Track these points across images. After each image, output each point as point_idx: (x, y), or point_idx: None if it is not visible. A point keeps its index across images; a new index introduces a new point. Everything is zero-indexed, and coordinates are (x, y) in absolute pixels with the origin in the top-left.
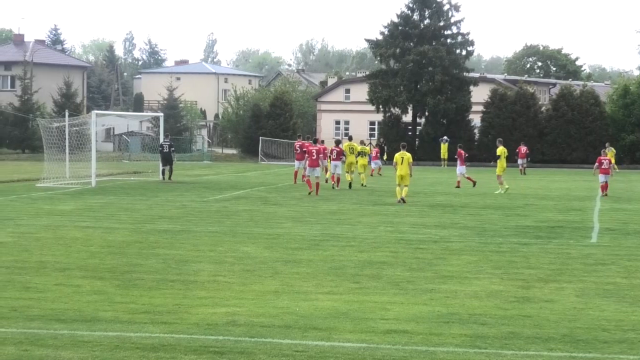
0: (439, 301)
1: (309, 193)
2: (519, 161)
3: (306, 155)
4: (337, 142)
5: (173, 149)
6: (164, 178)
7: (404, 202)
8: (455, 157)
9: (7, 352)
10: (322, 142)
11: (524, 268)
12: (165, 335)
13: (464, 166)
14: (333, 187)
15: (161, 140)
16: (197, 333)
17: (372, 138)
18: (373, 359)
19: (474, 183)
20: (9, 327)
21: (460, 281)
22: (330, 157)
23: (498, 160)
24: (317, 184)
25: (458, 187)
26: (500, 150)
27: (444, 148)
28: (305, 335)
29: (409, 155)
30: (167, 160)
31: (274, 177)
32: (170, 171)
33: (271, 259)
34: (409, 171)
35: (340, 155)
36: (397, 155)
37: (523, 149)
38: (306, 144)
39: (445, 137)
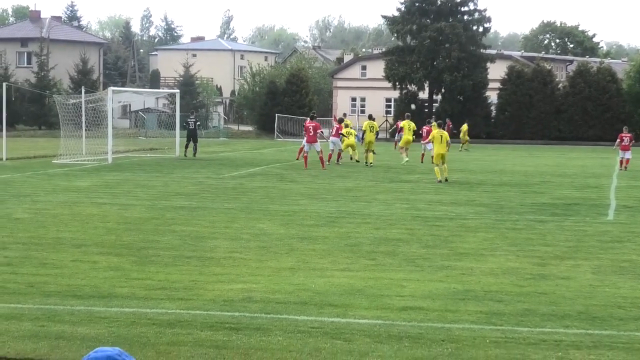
0: (455, 278)
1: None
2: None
3: (304, 131)
4: (340, 120)
5: (199, 123)
6: (186, 154)
7: (446, 181)
8: (420, 132)
9: (24, 328)
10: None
11: (540, 245)
12: (181, 311)
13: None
14: (337, 163)
15: (178, 117)
16: (213, 309)
17: (388, 115)
18: (388, 335)
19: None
20: (25, 303)
21: (476, 258)
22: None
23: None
24: (321, 158)
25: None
26: (405, 123)
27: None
28: (320, 311)
29: (446, 133)
30: (193, 137)
31: (290, 154)
32: (195, 148)
33: (287, 236)
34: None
35: (339, 132)
36: (434, 132)
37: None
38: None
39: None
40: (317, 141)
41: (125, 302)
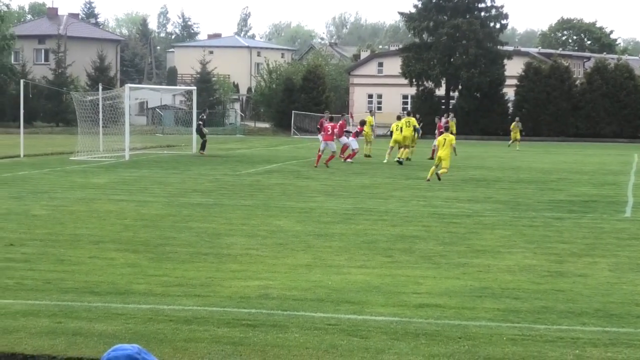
0: (472, 275)
1: (315, 166)
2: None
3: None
4: (362, 123)
5: (200, 122)
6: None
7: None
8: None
9: (41, 325)
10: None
11: (557, 242)
12: (198, 308)
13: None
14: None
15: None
16: (230, 306)
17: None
18: (405, 332)
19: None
20: (43, 299)
21: (493, 255)
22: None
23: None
24: (332, 157)
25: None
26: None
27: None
28: (337, 308)
29: (451, 137)
30: (199, 134)
31: (307, 151)
32: (201, 145)
33: (303, 233)
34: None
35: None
36: (440, 137)
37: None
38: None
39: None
40: (333, 140)
41: (142, 299)
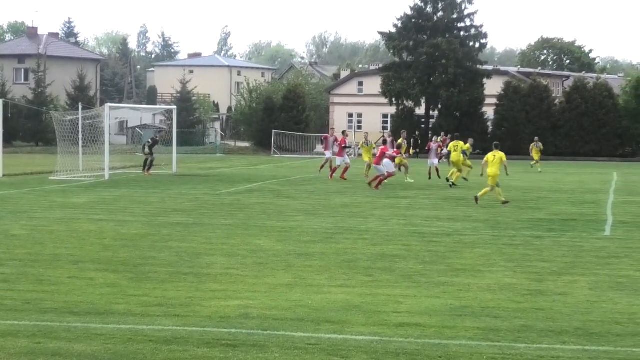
0: (452, 294)
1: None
2: None
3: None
4: (399, 147)
5: (149, 141)
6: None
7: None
8: (426, 149)
9: (20, 345)
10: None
11: (537, 261)
12: (178, 328)
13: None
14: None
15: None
16: (209, 326)
17: (385, 131)
18: (386, 352)
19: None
20: (22, 319)
21: (473, 274)
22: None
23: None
24: (347, 169)
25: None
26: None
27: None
28: (317, 328)
29: (501, 154)
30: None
31: (287, 170)
32: (145, 163)
33: (284, 252)
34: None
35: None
36: (489, 154)
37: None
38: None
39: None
40: (344, 156)
41: (121, 319)
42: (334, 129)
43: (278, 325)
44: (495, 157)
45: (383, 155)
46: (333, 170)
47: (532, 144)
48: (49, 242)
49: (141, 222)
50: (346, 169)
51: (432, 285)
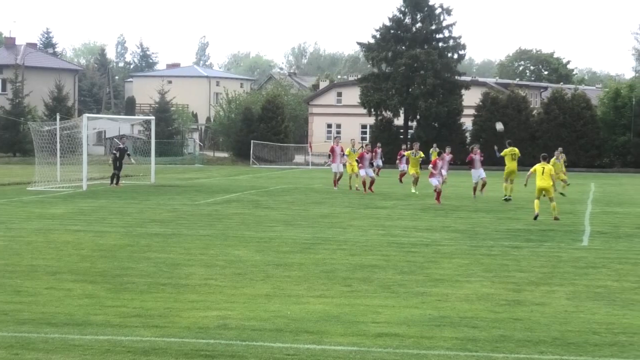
0: (430, 304)
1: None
2: None
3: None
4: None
5: (115, 152)
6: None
7: (556, 219)
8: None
9: None
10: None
11: (515, 271)
12: (156, 339)
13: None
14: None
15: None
16: (188, 337)
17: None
18: None
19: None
20: None
21: (451, 284)
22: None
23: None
24: (364, 183)
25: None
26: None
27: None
28: (296, 338)
29: (549, 166)
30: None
31: (266, 180)
32: (112, 176)
33: (262, 263)
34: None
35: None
36: (537, 166)
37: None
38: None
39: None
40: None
41: (99, 330)
42: (338, 137)
43: (257, 336)
44: (544, 168)
45: (435, 165)
46: (337, 179)
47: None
48: (26, 252)
49: (119, 232)
50: (371, 181)
51: (411, 295)
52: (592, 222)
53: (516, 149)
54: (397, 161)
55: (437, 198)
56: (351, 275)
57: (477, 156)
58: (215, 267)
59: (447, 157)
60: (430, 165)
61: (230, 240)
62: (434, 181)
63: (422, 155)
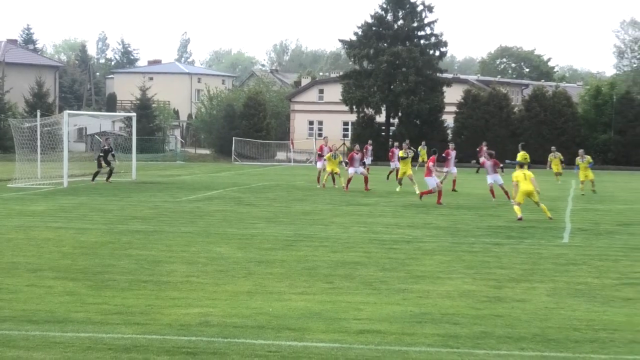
0: (412, 301)
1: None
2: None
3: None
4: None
5: (101, 154)
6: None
7: (550, 219)
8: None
9: None
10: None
11: (496, 268)
12: (137, 336)
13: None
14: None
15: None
16: (169, 334)
17: (345, 139)
18: (346, 359)
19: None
20: None
21: (432, 281)
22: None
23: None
24: (366, 178)
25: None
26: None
27: (423, 153)
28: (278, 335)
29: (530, 173)
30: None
31: (248, 177)
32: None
33: (244, 260)
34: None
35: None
36: (518, 173)
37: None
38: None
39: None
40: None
41: (80, 327)
42: (327, 138)
43: (238, 333)
44: (525, 175)
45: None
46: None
47: (550, 155)
48: (6, 250)
49: (100, 229)
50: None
51: (392, 292)
52: (573, 219)
53: (527, 154)
54: (390, 159)
55: (439, 199)
56: (333, 272)
57: (453, 153)
58: (197, 264)
59: (453, 152)
60: (431, 164)
61: (212, 237)
62: (432, 182)
63: (413, 154)
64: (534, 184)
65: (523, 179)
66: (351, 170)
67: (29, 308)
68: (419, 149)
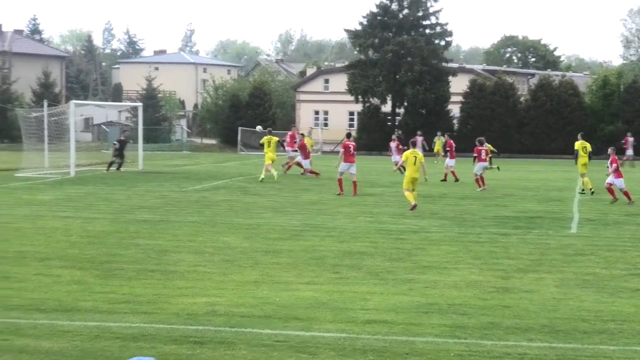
0: (419, 291)
1: (338, 194)
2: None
3: (342, 150)
4: (348, 135)
5: (116, 144)
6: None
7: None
8: (447, 149)
9: None
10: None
11: (503, 258)
12: (145, 325)
13: (454, 159)
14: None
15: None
16: (177, 323)
17: (351, 128)
18: (353, 349)
19: (457, 179)
20: None
21: (439, 271)
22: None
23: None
24: (355, 183)
25: (444, 180)
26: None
27: (439, 143)
28: (285, 325)
29: (420, 154)
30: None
31: (253, 167)
32: (118, 164)
33: (251, 249)
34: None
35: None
36: (408, 153)
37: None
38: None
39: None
40: (354, 162)
41: (88, 316)
42: (296, 128)
43: (245, 322)
44: (416, 157)
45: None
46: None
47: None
48: (15, 239)
49: (108, 219)
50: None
51: (399, 282)
52: (581, 210)
53: (587, 143)
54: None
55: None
56: (340, 262)
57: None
58: (203, 253)
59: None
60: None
61: (219, 226)
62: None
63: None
64: (422, 169)
65: (412, 163)
66: (343, 166)
67: (37, 297)
68: (434, 140)
